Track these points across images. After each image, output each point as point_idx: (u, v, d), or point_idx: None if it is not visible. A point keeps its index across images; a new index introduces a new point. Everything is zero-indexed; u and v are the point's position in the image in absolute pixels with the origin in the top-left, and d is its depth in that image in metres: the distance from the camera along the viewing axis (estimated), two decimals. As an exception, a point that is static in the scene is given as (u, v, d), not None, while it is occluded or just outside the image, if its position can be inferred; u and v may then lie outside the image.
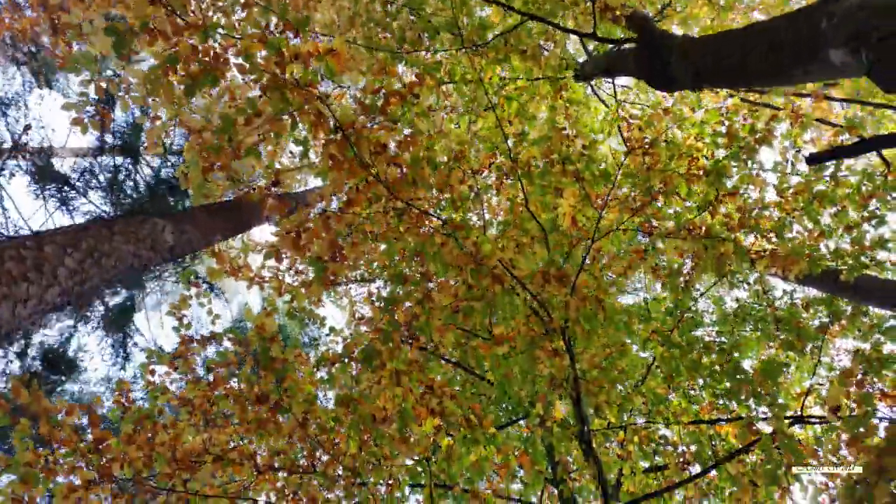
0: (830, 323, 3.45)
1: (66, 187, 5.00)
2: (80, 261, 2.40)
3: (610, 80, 5.08)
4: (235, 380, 3.35)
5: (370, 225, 2.95)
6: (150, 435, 2.92)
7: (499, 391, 4.48)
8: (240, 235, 4.53)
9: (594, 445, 3.63)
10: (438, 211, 3.44)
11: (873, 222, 3.41)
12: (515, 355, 4.32)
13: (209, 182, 2.67)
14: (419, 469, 3.69)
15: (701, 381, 3.54)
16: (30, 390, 2.74)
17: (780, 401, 3.43)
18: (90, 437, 2.87)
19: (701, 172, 3.25)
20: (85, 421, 2.91)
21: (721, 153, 3.17)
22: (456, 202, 3.21)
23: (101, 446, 2.87)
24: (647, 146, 3.30)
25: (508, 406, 5.33)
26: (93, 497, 2.89)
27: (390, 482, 3.60)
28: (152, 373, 3.54)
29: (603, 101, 5.60)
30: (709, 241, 3.27)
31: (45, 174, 4.73)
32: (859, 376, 2.95)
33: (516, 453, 4.02)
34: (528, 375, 4.16)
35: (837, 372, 4.26)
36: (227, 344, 3.70)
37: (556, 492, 4.61)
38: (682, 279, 3.34)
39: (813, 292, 4.48)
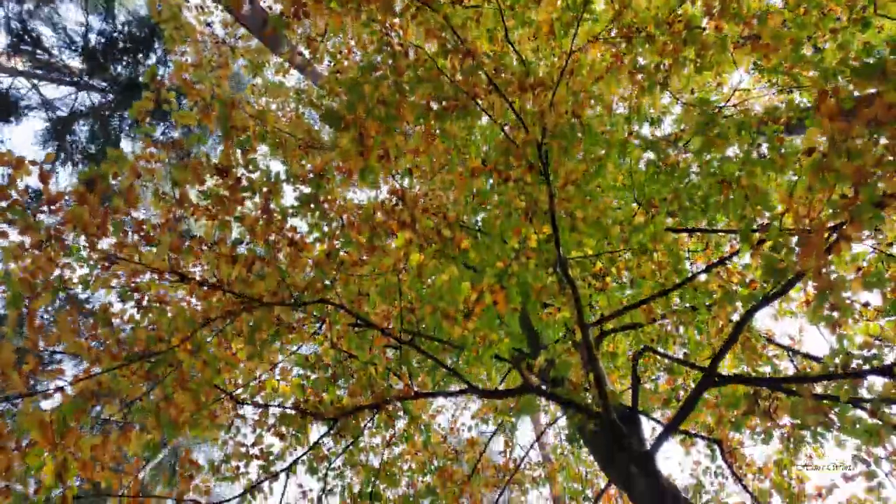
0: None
1: None
2: None
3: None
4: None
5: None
6: (103, 198, 2.81)
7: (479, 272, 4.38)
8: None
9: (570, 273, 3.55)
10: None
11: (860, 26, 3.32)
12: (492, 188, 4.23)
13: None
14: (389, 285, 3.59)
15: (680, 196, 3.44)
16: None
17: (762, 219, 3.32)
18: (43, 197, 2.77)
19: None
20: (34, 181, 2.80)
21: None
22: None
23: (52, 206, 2.77)
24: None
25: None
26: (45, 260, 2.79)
27: (359, 295, 3.51)
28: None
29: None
30: (689, 33, 3.17)
31: None
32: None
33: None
34: (505, 209, 4.07)
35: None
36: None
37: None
38: (661, 77, 3.24)
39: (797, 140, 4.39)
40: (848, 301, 2.67)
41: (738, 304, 3.44)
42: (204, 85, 4.34)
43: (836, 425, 2.81)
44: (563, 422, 6.42)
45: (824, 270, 1.91)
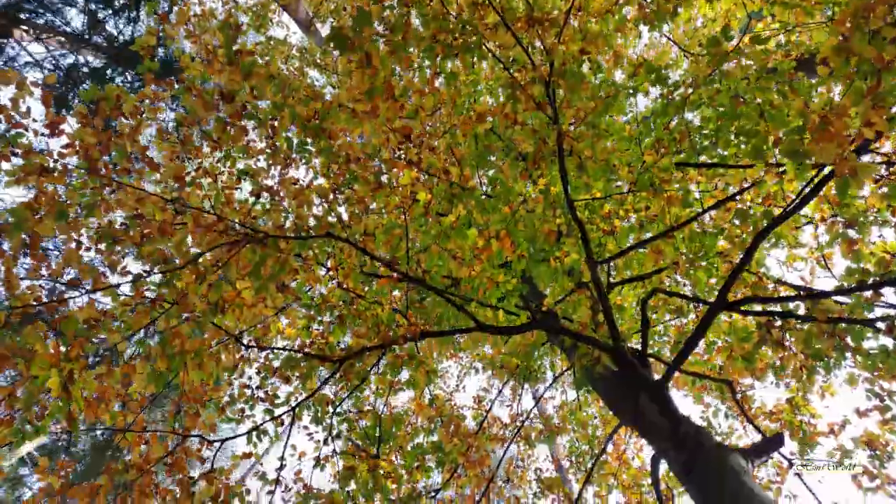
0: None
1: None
2: None
3: None
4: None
5: None
6: (107, 119, 2.77)
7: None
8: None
9: (578, 214, 3.51)
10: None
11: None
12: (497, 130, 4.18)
13: None
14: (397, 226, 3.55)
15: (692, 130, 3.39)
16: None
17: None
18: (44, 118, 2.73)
19: None
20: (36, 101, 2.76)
21: None
22: None
23: (55, 130, 2.73)
24: None
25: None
26: (48, 186, 2.76)
27: (366, 234, 3.47)
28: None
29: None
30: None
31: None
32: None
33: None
34: (511, 152, 4.02)
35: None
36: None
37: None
38: (671, 6, 3.19)
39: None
40: (864, 218, 2.62)
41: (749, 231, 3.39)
42: (208, 35, 4.29)
43: (851, 348, 2.77)
44: (565, 388, 6.39)
45: (846, 156, 1.86)
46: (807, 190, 2.57)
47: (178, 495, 3.06)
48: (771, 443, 2.49)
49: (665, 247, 3.55)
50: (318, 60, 5.52)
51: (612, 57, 4.26)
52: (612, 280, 4.37)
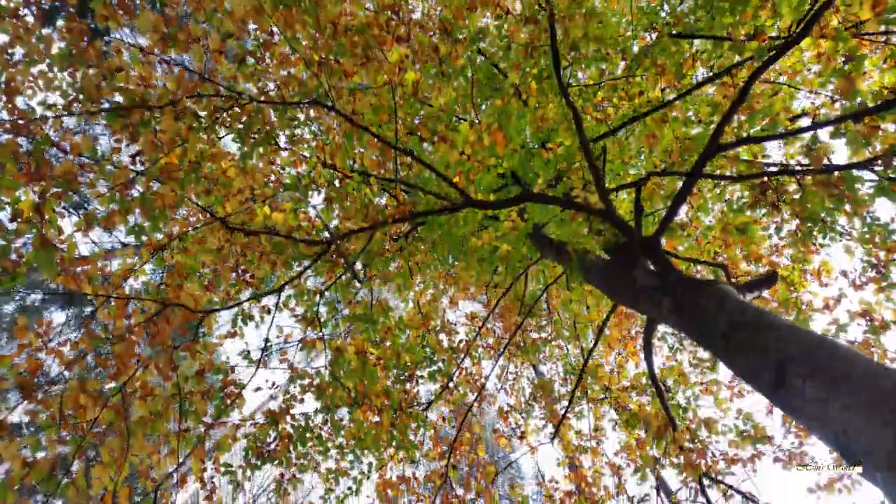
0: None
1: None
2: None
3: None
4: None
5: None
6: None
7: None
8: None
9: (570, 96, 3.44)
10: None
11: None
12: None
13: None
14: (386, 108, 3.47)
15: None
16: None
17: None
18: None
19: None
20: None
21: None
22: None
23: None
24: None
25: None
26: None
27: (353, 115, 3.40)
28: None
29: None
30: None
31: None
32: None
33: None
34: (505, 42, 3.95)
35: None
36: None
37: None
38: None
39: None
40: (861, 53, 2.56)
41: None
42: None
43: (847, 199, 2.71)
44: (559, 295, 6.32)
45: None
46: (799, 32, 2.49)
47: (160, 364, 3.00)
48: (764, 279, 2.43)
49: (659, 130, 3.48)
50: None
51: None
52: (606, 188, 4.30)
